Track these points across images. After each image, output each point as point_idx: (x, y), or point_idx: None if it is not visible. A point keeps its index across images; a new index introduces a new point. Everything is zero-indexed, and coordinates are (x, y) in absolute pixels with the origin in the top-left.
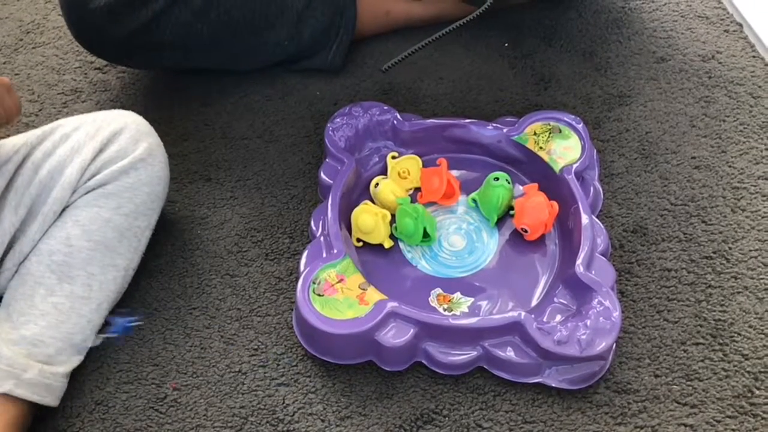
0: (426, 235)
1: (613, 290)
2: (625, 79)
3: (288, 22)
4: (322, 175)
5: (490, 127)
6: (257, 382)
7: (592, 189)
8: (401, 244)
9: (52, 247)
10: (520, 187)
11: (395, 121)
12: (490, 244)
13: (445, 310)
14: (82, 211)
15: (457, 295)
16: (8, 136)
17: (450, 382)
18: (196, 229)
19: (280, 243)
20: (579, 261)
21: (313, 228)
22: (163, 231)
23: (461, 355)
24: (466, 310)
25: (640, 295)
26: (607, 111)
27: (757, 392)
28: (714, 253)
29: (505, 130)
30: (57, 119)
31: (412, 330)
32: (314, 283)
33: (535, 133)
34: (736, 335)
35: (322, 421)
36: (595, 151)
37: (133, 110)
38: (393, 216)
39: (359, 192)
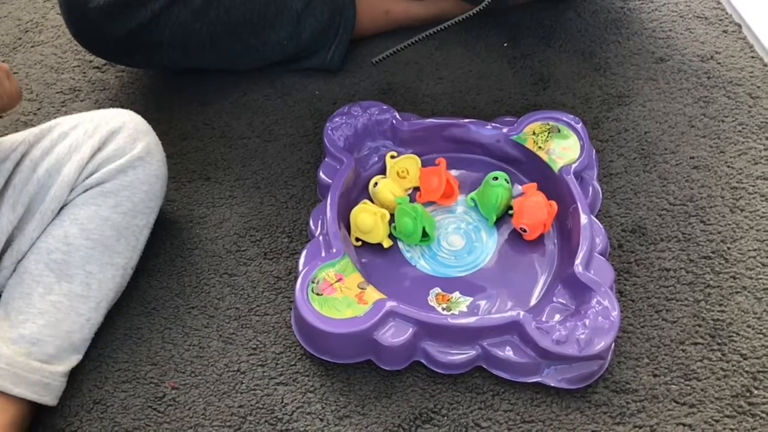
0: (425, 234)
1: (612, 290)
2: (624, 79)
3: (287, 21)
4: (321, 174)
5: (489, 127)
6: (256, 381)
7: (590, 189)
8: (400, 244)
9: (50, 246)
10: (519, 187)
11: (394, 121)
12: (489, 244)
13: (443, 309)
14: (80, 209)
15: (456, 294)
16: (6, 134)
17: (449, 381)
18: (195, 228)
19: (278, 242)
20: (578, 261)
21: (312, 227)
22: (161, 230)
23: (460, 355)
24: (465, 310)
25: (638, 294)
26: (606, 111)
27: (756, 392)
28: (713, 252)
29: (504, 130)
30: (55, 118)
31: (410, 329)
32: (313, 282)
33: (534, 133)
34: (734, 335)
35: (321, 420)
36: (593, 150)
37: (131, 109)
38: (392, 215)
39: (358, 191)
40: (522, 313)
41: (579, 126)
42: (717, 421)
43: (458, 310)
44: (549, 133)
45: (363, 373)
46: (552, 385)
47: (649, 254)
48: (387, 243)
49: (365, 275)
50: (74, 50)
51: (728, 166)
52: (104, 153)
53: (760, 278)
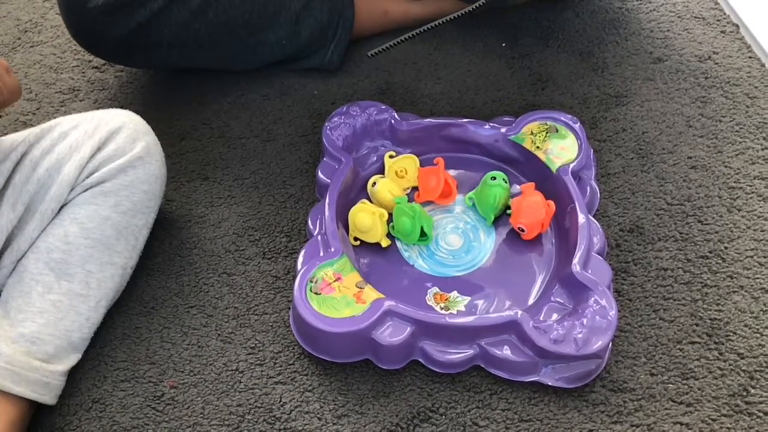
0: (423, 234)
1: (610, 289)
2: (621, 79)
3: (286, 21)
4: (320, 174)
5: (487, 127)
6: (254, 381)
7: (588, 188)
8: (398, 243)
9: (50, 245)
10: (517, 187)
11: (393, 121)
12: (487, 243)
13: (441, 308)
14: (80, 208)
15: (454, 293)
16: (6, 134)
17: (447, 380)
18: (194, 227)
19: (277, 242)
20: (575, 260)
21: (311, 227)
22: (160, 229)
23: (458, 354)
24: (463, 309)
25: (636, 294)
26: (604, 111)
27: (753, 391)
28: (710, 252)
29: (502, 130)
30: (55, 118)
31: (408, 328)
32: (311, 281)
33: (532, 133)
34: (731, 334)
35: (319, 419)
36: (591, 150)
37: (130, 109)
38: (390, 215)
39: (357, 191)
40: (520, 312)
41: (577, 126)
42: (714, 420)
43: (456, 309)
44: (547, 132)
45: (361, 372)
46: (549, 384)
47: (646, 254)
48: (385, 242)
49: (363, 274)
50: (73, 50)
51: (726, 166)
52: (104, 153)
53: (757, 278)
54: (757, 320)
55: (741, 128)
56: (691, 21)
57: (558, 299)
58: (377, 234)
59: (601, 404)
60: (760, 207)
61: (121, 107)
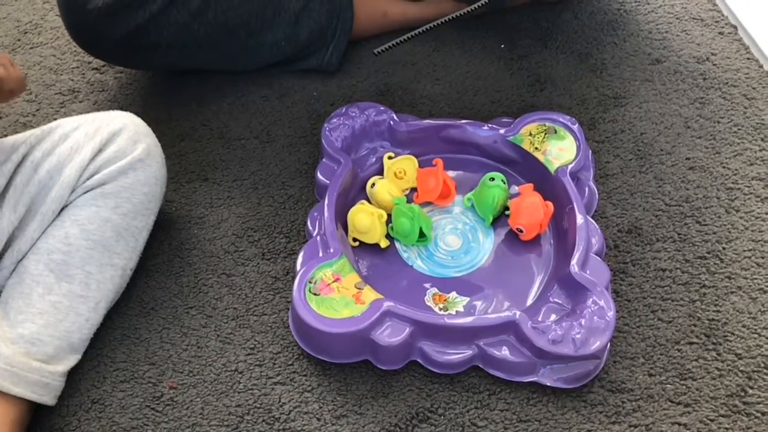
0: (422, 234)
1: (608, 290)
2: (620, 80)
3: (285, 23)
4: (319, 175)
5: (486, 128)
6: (253, 381)
7: (587, 189)
8: (397, 244)
9: (50, 246)
10: (516, 188)
11: (392, 122)
12: (486, 244)
13: (440, 309)
14: (80, 210)
15: (453, 294)
16: (7, 135)
17: (445, 381)
18: (193, 228)
19: (276, 243)
20: (574, 261)
21: (310, 228)
22: (160, 230)
23: (456, 354)
24: (462, 310)
25: (634, 294)
26: (603, 112)
27: (751, 391)
28: (708, 253)
29: (500, 131)
30: (54, 119)
31: (407, 329)
32: (310, 282)
33: (530, 134)
34: (729, 335)
35: (318, 419)
36: (590, 151)
37: (130, 110)
38: (389, 216)
39: (356, 192)
40: (518, 313)
41: (575, 127)
42: (712, 420)
43: (455, 310)
44: (545, 134)
45: (360, 373)
46: (548, 384)
47: (644, 254)
48: (384, 243)
49: (362, 275)
50: (73, 51)
51: (724, 167)
52: (105, 155)
53: (755, 278)
54: (755, 321)
55: (739, 129)
56: (689, 22)
57: (556, 300)
58: (376, 235)
59: (599, 405)
60: (758, 208)
61: (121, 108)
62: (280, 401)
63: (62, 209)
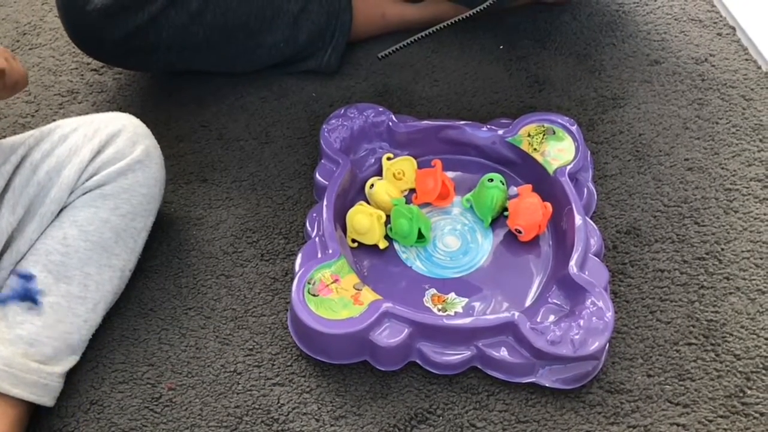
0: (421, 235)
1: (607, 291)
2: (618, 81)
3: (284, 24)
4: (318, 176)
5: (484, 129)
6: (252, 382)
7: (585, 190)
8: (396, 245)
9: (49, 247)
10: (515, 189)
11: (390, 123)
12: (485, 245)
13: (439, 310)
14: (79, 211)
15: (452, 295)
16: (5, 136)
17: (444, 381)
18: (192, 229)
19: (275, 244)
20: (572, 262)
21: (309, 229)
22: (159, 231)
23: (455, 355)
24: (461, 311)
25: (633, 295)
26: (601, 113)
27: (749, 392)
28: (707, 254)
29: (499, 132)
30: (53, 120)
31: (406, 330)
32: (309, 283)
33: (529, 135)
34: (728, 335)
35: (317, 420)
36: (588, 152)
37: (129, 111)
38: (388, 217)
39: (354, 193)
40: (517, 313)
41: (574, 128)
42: (711, 421)
43: (453, 311)
44: (544, 135)
45: (359, 374)
46: (546, 385)
47: (643, 255)
48: (383, 244)
49: (361, 276)
50: (72, 53)
51: (722, 168)
52: (104, 156)
53: (754, 279)
54: (753, 321)
55: (737, 130)
56: (687, 23)
57: (555, 301)
58: (375, 236)
59: (598, 405)
60: (757, 209)
61: (120, 109)
62: (278, 402)
63: (61, 210)
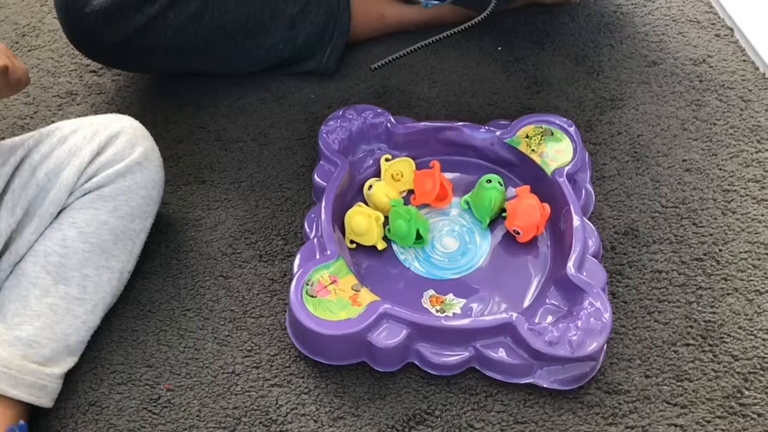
0: (419, 236)
1: (604, 291)
2: (617, 82)
3: (282, 26)
4: (316, 177)
5: (482, 130)
6: (250, 383)
7: (583, 191)
8: (394, 246)
9: (47, 248)
10: (513, 190)
11: (389, 124)
12: (483, 246)
13: (437, 311)
14: (78, 212)
15: (450, 296)
16: (5, 138)
17: (442, 382)
18: (191, 230)
19: (273, 245)
20: (570, 263)
21: (307, 230)
22: (157, 233)
23: (453, 356)
24: (459, 312)
25: (631, 296)
26: (599, 114)
27: (747, 393)
28: (704, 255)
29: (497, 133)
30: (52, 122)
31: (404, 331)
32: (307, 284)
33: (527, 136)
34: (726, 336)
35: (315, 421)
36: (586, 153)
37: (127, 113)
38: (386, 218)
39: (353, 194)
40: (515, 314)
41: (572, 129)
42: (708, 421)
43: (452, 311)
44: (542, 136)
45: (357, 375)
46: (544, 386)
47: (641, 256)
48: (381, 245)
49: (359, 277)
50: (71, 54)
51: (720, 169)
52: (103, 157)
53: (752, 280)
54: (751, 322)
55: (735, 131)
56: (685, 24)
57: (553, 301)
58: (373, 237)
59: (596, 406)
60: (754, 210)
61: (118, 111)
62: (277, 403)
63: (60, 212)
